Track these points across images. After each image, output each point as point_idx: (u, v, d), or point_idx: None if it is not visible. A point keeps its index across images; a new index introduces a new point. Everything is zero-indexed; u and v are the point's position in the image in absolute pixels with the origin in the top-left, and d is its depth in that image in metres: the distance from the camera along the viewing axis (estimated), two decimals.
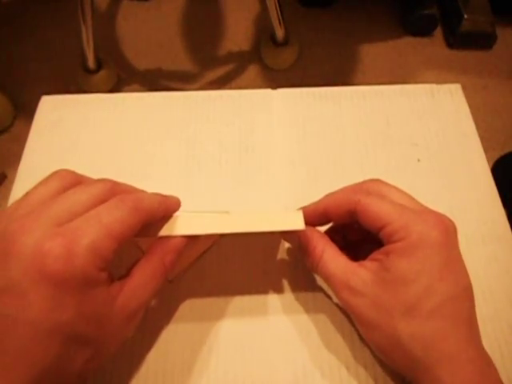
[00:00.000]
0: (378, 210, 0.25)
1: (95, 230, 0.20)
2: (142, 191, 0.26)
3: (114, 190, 0.23)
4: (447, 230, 0.25)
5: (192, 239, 0.25)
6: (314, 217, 0.28)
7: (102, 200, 0.22)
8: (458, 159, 0.36)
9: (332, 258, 0.27)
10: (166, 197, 0.25)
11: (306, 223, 0.26)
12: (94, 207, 0.21)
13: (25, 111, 1.08)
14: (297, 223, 0.26)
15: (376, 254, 0.26)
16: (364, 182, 0.28)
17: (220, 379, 0.28)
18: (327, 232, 0.30)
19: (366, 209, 0.26)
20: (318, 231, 0.28)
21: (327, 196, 0.29)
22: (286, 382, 0.28)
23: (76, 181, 0.24)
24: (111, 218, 0.21)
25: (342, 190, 0.29)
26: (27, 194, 0.23)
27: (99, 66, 1.06)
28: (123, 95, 0.40)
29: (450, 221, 0.26)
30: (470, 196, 0.35)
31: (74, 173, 0.24)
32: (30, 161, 0.37)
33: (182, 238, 0.25)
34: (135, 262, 0.24)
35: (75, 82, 1.09)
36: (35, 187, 0.23)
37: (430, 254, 0.24)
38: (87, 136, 0.38)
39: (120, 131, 0.38)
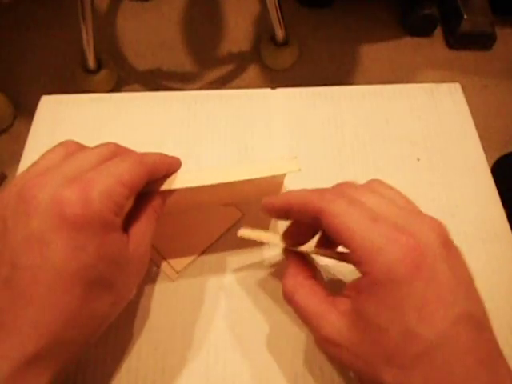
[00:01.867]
0: (342, 227, 0.21)
1: (106, 179, 0.22)
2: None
3: (117, 151, 0.25)
4: (420, 256, 0.20)
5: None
6: (273, 206, 0.26)
7: (109, 159, 0.23)
8: (457, 159, 0.36)
9: (302, 302, 0.24)
10: (167, 155, 0.26)
11: (265, 210, 0.26)
12: (100, 164, 0.23)
13: (25, 111, 1.08)
14: (293, 166, 0.26)
15: (349, 289, 0.23)
16: (338, 185, 0.25)
17: (219, 379, 0.28)
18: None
19: (329, 222, 0.22)
20: (298, 254, 0.26)
21: (293, 192, 0.25)
22: (285, 381, 0.28)
23: (80, 149, 0.25)
24: (120, 169, 0.22)
25: (311, 190, 0.24)
26: (35, 161, 0.24)
27: (99, 66, 1.06)
28: (123, 95, 0.40)
29: (431, 233, 0.21)
30: (470, 196, 0.35)
31: (77, 142, 0.25)
32: (29, 161, 0.36)
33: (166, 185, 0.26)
34: (129, 214, 0.25)
35: (75, 82, 1.09)
36: (43, 155, 0.24)
37: (400, 294, 0.20)
38: (87, 136, 0.38)
39: (120, 131, 0.38)
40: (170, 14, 1.25)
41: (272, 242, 0.27)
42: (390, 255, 0.20)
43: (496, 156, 0.96)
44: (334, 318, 0.22)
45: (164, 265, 0.31)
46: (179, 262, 0.31)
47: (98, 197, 0.21)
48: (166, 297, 0.30)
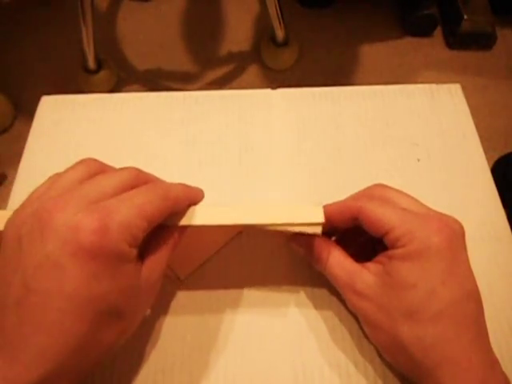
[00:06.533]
0: (379, 216, 0.25)
1: (127, 210, 0.21)
2: (165, 181, 0.27)
3: (140, 177, 0.24)
4: (451, 234, 0.24)
5: (206, 231, 0.26)
6: None
7: (130, 185, 0.23)
8: (457, 159, 0.36)
9: (337, 262, 0.27)
10: (191, 188, 0.26)
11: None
12: (122, 191, 0.22)
13: (25, 111, 1.08)
14: (317, 217, 0.25)
15: (380, 257, 0.26)
16: (368, 188, 0.29)
17: (220, 379, 0.28)
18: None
19: (368, 215, 0.26)
20: (323, 236, 0.28)
21: (327, 205, 0.28)
22: (285, 381, 0.28)
23: (101, 169, 0.25)
24: (143, 200, 0.22)
25: (344, 199, 0.29)
26: (55, 178, 0.24)
27: (99, 66, 1.06)
28: (123, 95, 0.40)
29: (457, 223, 0.25)
30: (470, 196, 0.35)
31: (99, 161, 0.25)
32: (30, 161, 0.37)
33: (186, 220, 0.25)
34: (148, 239, 0.24)
35: (75, 82, 1.09)
36: (63, 172, 0.24)
37: (431, 260, 0.24)
38: (87, 136, 0.38)
39: (120, 131, 0.38)
40: (169, 13, 1.25)
41: (247, 222, 0.26)
42: (426, 231, 0.24)
43: (496, 156, 0.96)
44: (365, 274, 0.26)
45: (169, 271, 0.31)
46: (184, 270, 0.31)
47: (116, 227, 0.20)
48: (167, 300, 0.30)
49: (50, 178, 0.24)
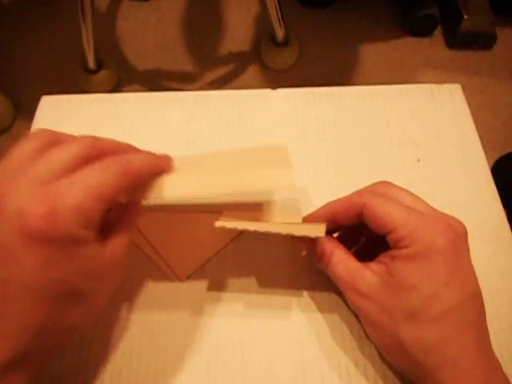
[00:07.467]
0: (384, 213, 0.25)
1: (81, 192, 0.20)
2: (129, 148, 0.25)
3: (96, 147, 0.23)
4: (455, 235, 0.24)
5: (204, 230, 0.26)
6: (317, 221, 0.28)
7: (83, 158, 0.22)
8: (457, 159, 0.36)
9: (339, 261, 0.27)
10: (156, 156, 0.25)
11: None
12: (75, 166, 0.21)
13: (25, 111, 1.08)
14: (319, 231, 0.26)
15: (383, 257, 0.26)
16: (373, 185, 0.28)
17: (220, 379, 0.28)
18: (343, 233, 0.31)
19: (372, 212, 0.25)
20: (326, 235, 0.28)
21: (331, 202, 0.29)
22: (285, 381, 0.28)
23: (54, 139, 0.23)
24: (98, 181, 0.21)
25: (348, 195, 0.29)
26: (5, 158, 0.22)
27: (99, 66, 1.06)
28: (123, 95, 0.40)
29: (460, 224, 0.25)
30: (470, 196, 0.35)
31: (51, 131, 0.24)
32: None
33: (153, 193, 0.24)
34: (111, 216, 0.24)
35: (75, 82, 1.09)
36: (12, 150, 0.22)
37: (435, 262, 0.24)
38: None
39: (120, 131, 0.38)
40: (169, 14, 1.25)
41: (249, 228, 0.26)
42: (430, 232, 0.24)
43: (496, 156, 0.96)
44: (367, 274, 0.25)
45: (169, 272, 0.31)
46: (184, 271, 0.31)
47: (65, 211, 0.20)
48: (167, 302, 0.30)
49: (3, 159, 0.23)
